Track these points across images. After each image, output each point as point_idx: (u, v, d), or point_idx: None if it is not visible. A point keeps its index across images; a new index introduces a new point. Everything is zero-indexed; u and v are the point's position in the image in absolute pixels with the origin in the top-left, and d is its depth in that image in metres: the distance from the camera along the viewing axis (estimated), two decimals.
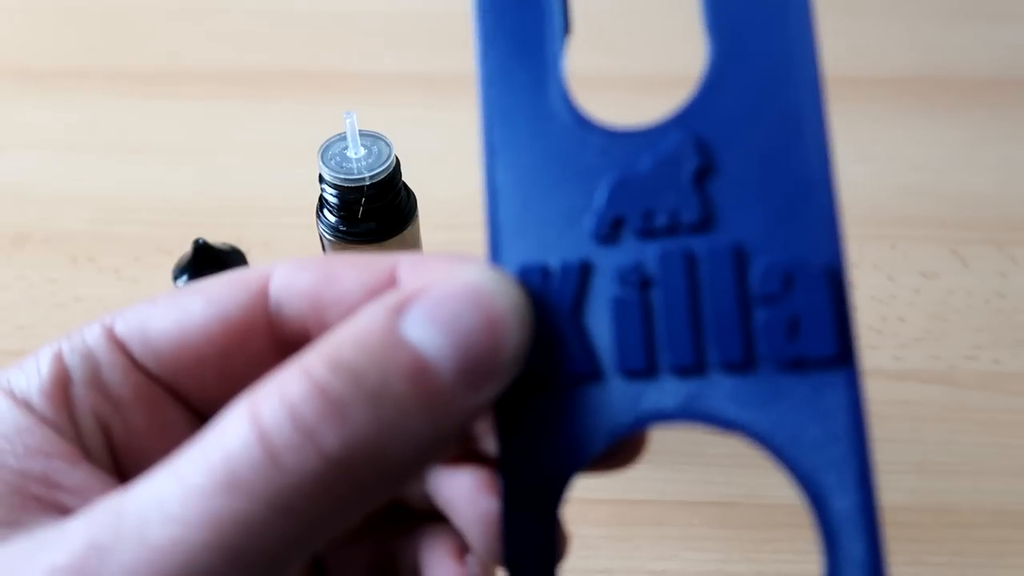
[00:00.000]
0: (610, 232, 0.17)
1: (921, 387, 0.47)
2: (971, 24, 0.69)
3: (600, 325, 0.17)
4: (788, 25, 0.16)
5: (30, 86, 0.66)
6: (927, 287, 0.51)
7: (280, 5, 0.72)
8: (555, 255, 0.18)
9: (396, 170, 0.40)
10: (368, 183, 0.39)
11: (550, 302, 0.18)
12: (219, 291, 0.19)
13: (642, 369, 0.17)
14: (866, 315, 0.50)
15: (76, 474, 0.18)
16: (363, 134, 0.40)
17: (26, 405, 0.18)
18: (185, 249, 0.42)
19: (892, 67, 0.65)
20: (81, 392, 0.19)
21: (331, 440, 0.15)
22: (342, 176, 0.39)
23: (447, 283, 0.17)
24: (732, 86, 0.17)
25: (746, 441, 0.16)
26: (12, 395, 0.18)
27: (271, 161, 0.59)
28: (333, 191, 0.40)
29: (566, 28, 0.18)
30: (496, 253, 0.18)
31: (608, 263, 0.17)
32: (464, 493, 0.20)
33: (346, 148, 0.40)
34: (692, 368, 0.17)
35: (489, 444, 0.20)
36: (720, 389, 0.17)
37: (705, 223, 0.17)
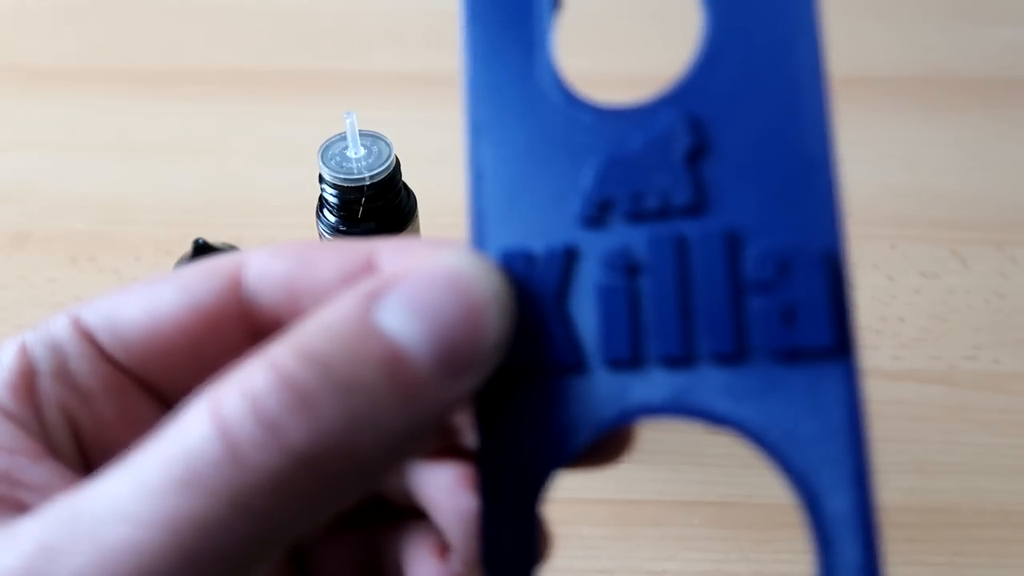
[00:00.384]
0: (597, 215, 0.17)
1: (921, 387, 0.47)
2: (969, 24, 0.69)
3: (585, 313, 0.16)
4: None
5: (30, 86, 0.66)
6: (927, 287, 0.51)
7: (280, 5, 0.72)
8: (540, 239, 0.17)
9: (396, 170, 0.40)
10: (368, 183, 0.39)
11: (533, 289, 0.17)
12: (191, 279, 0.19)
13: (628, 359, 0.16)
14: (866, 315, 0.50)
15: (38, 470, 0.17)
16: (363, 134, 0.40)
17: None
18: (185, 249, 0.42)
19: (891, 67, 0.65)
20: (47, 385, 0.18)
21: (297, 434, 0.14)
22: (342, 176, 0.39)
23: (425, 269, 0.16)
24: (729, 62, 0.16)
25: (737, 437, 0.16)
26: None
27: (271, 161, 0.59)
28: (333, 191, 0.40)
29: (556, 2, 0.17)
30: (479, 237, 0.17)
31: (595, 248, 0.17)
32: (444, 489, 0.20)
33: (346, 148, 0.40)
34: (681, 359, 0.16)
35: (471, 438, 0.19)
36: (710, 382, 0.16)
37: (697, 206, 0.16)
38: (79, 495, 0.15)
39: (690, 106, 0.16)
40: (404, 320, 0.15)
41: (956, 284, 0.51)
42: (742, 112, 0.16)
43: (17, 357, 0.18)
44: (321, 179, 0.40)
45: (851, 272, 0.15)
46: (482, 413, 0.17)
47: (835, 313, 0.15)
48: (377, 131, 0.41)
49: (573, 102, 0.17)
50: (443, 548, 0.20)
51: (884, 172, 0.58)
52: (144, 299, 0.19)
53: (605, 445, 0.18)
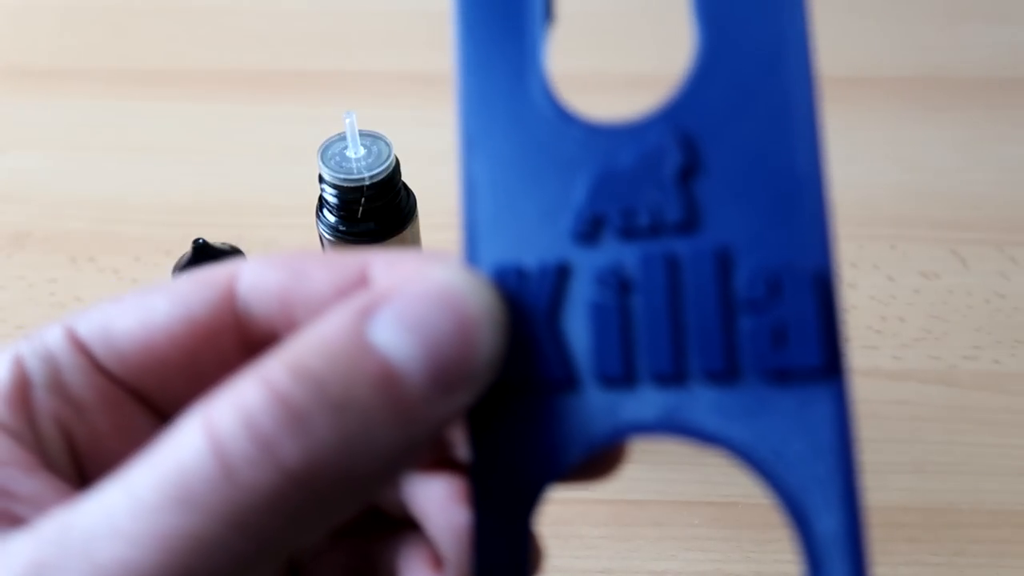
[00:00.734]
0: (589, 231, 0.17)
1: (921, 387, 0.47)
2: (970, 24, 0.69)
3: (577, 330, 0.16)
4: (781, 17, 0.16)
5: (30, 86, 0.66)
6: (927, 287, 0.51)
7: (280, 5, 0.72)
8: (532, 255, 0.17)
9: (396, 170, 0.40)
10: (368, 183, 0.39)
11: (526, 305, 0.17)
12: (185, 290, 0.19)
13: (620, 376, 0.16)
14: (866, 315, 0.50)
15: (32, 483, 0.17)
16: (363, 134, 0.40)
17: None
18: (185, 249, 0.42)
19: (890, 67, 0.65)
20: (41, 396, 0.18)
21: (291, 453, 0.14)
22: (342, 176, 0.39)
23: (418, 284, 0.16)
24: (720, 80, 0.16)
25: (728, 456, 0.16)
26: None
27: (271, 161, 0.59)
28: (333, 191, 0.40)
29: (548, 16, 0.17)
30: (472, 251, 0.17)
31: (587, 264, 0.17)
32: (437, 502, 0.20)
33: (346, 148, 0.40)
34: (672, 377, 0.16)
35: (463, 451, 0.20)
36: (701, 400, 0.16)
37: (689, 223, 0.16)
38: (73, 510, 0.15)
39: (681, 123, 0.16)
40: (397, 337, 0.15)
41: (956, 284, 0.51)
42: (733, 130, 0.16)
43: (11, 369, 0.18)
44: (321, 179, 0.40)
45: (841, 292, 0.15)
46: (474, 428, 0.17)
47: (825, 334, 0.15)
48: (377, 131, 0.41)
49: (565, 117, 0.17)
50: (436, 560, 0.20)
51: (884, 172, 0.58)
52: (138, 310, 0.19)
53: (597, 461, 0.18)
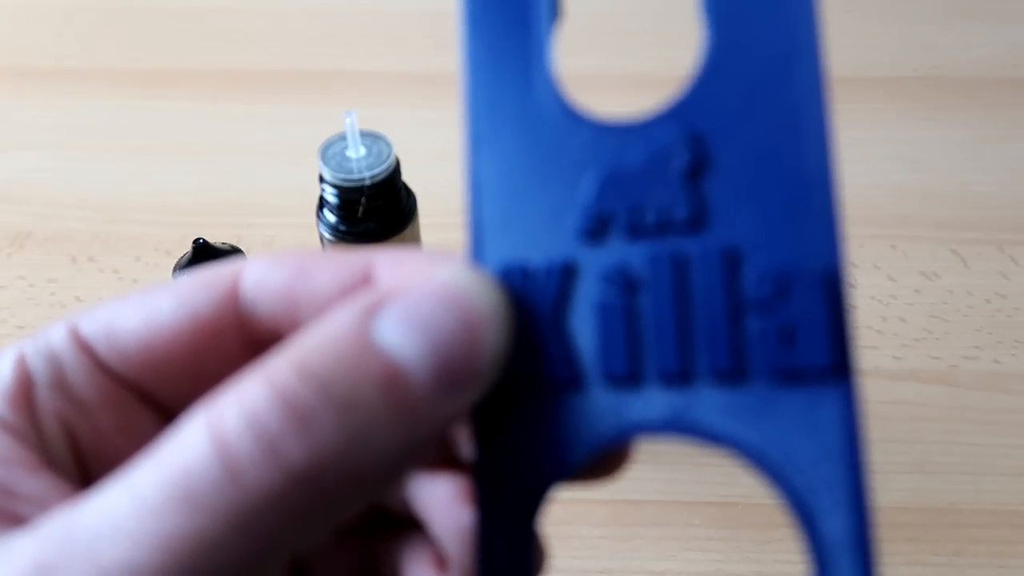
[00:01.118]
0: (596, 230, 0.17)
1: (921, 387, 0.47)
2: (971, 24, 0.69)
3: (583, 329, 0.16)
4: (791, 14, 0.15)
5: (30, 86, 0.66)
6: (927, 287, 0.51)
7: (280, 5, 0.72)
8: (539, 254, 0.17)
9: (396, 170, 0.40)
10: (368, 183, 0.39)
11: (532, 304, 0.17)
12: (189, 289, 0.19)
13: (626, 376, 0.16)
14: (866, 315, 0.50)
15: (35, 482, 0.17)
16: (363, 134, 0.40)
17: None
18: (185, 249, 0.42)
19: (891, 67, 0.65)
20: (45, 396, 0.18)
21: (296, 453, 0.14)
22: (342, 176, 0.39)
23: (423, 284, 0.16)
24: (729, 78, 0.16)
25: (734, 456, 0.15)
26: None
27: (271, 161, 0.59)
28: (333, 191, 0.40)
29: (555, 13, 0.17)
30: (478, 250, 0.17)
31: (593, 263, 0.16)
32: (441, 502, 0.19)
33: (346, 148, 0.40)
34: (679, 377, 0.16)
35: (469, 450, 0.19)
36: (708, 400, 0.16)
37: (697, 222, 0.16)
38: (76, 511, 0.15)
39: (690, 121, 0.16)
40: (403, 336, 0.15)
41: (956, 284, 0.51)
42: (742, 128, 0.16)
43: (15, 368, 0.18)
44: (321, 179, 0.40)
45: (850, 291, 0.15)
46: (479, 427, 0.17)
47: (834, 334, 0.15)
48: (377, 131, 0.41)
49: (572, 115, 0.17)
50: (440, 560, 0.20)
51: (885, 172, 0.58)
52: (141, 309, 0.19)
53: (602, 461, 0.18)
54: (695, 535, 0.42)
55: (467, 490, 0.19)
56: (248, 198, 0.57)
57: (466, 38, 0.18)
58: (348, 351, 0.15)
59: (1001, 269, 0.52)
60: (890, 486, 0.43)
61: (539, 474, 0.17)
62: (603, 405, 0.16)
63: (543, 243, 0.17)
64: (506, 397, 0.17)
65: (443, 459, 0.20)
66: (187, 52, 0.68)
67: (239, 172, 0.59)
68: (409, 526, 0.21)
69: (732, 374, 0.15)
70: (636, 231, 0.16)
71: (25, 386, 0.18)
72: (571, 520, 0.42)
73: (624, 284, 0.16)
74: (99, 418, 0.19)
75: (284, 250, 0.19)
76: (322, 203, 0.41)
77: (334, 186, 0.39)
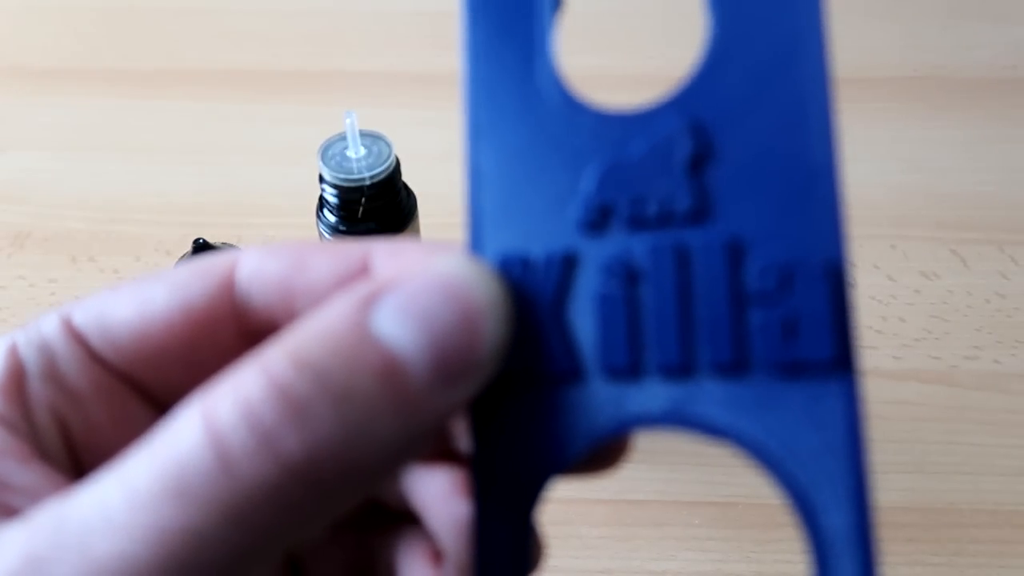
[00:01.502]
0: (597, 221, 0.16)
1: (921, 387, 0.47)
2: (971, 24, 0.69)
3: (583, 321, 0.16)
4: (797, 5, 0.15)
5: (30, 86, 0.66)
6: (927, 287, 0.51)
7: (280, 5, 0.72)
8: (539, 245, 0.17)
9: (396, 170, 0.40)
10: (368, 183, 0.39)
11: (531, 295, 0.16)
12: (183, 279, 0.18)
13: (626, 368, 0.16)
14: (866, 315, 0.50)
15: (27, 473, 0.17)
16: (363, 134, 0.40)
17: None
18: (185, 249, 0.42)
19: (891, 67, 0.65)
20: (36, 386, 0.18)
21: (291, 445, 0.14)
22: (342, 176, 0.39)
23: (421, 274, 0.15)
24: (733, 67, 0.16)
25: (735, 450, 0.15)
26: None
27: (271, 161, 0.59)
28: (333, 191, 0.40)
29: (558, 3, 0.17)
30: (477, 240, 0.17)
31: (594, 254, 0.16)
32: (437, 495, 0.19)
33: (346, 148, 0.40)
34: (680, 370, 0.16)
35: (466, 442, 0.19)
36: (709, 393, 0.15)
37: (699, 214, 0.16)
38: (68, 502, 0.15)
39: (693, 111, 0.16)
40: (400, 327, 0.15)
41: (956, 284, 0.51)
42: (746, 119, 0.16)
43: (6, 358, 0.18)
44: (321, 179, 0.40)
45: (853, 284, 0.15)
46: (477, 420, 0.17)
47: (837, 327, 0.15)
48: (377, 131, 0.41)
49: (574, 105, 0.17)
50: (436, 554, 0.20)
51: (884, 172, 0.58)
52: (135, 299, 0.18)
53: (601, 453, 0.18)
54: (695, 535, 0.42)
55: (464, 483, 0.19)
56: (248, 198, 0.57)
57: (467, 25, 0.17)
58: (345, 341, 0.15)
59: (1001, 269, 0.52)
60: (890, 486, 0.43)
61: (537, 467, 0.16)
62: (603, 398, 0.16)
63: (543, 234, 0.17)
64: (504, 389, 0.17)
65: (440, 451, 0.20)
66: (187, 52, 0.68)
67: (239, 172, 0.59)
68: (405, 519, 0.21)
69: (734, 367, 0.15)
70: (638, 222, 0.16)
71: (17, 376, 0.18)
72: (571, 520, 0.42)
73: (625, 276, 0.16)
74: (92, 409, 0.18)
75: (280, 241, 0.19)
76: (322, 203, 0.41)
77: (334, 186, 0.39)
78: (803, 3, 0.15)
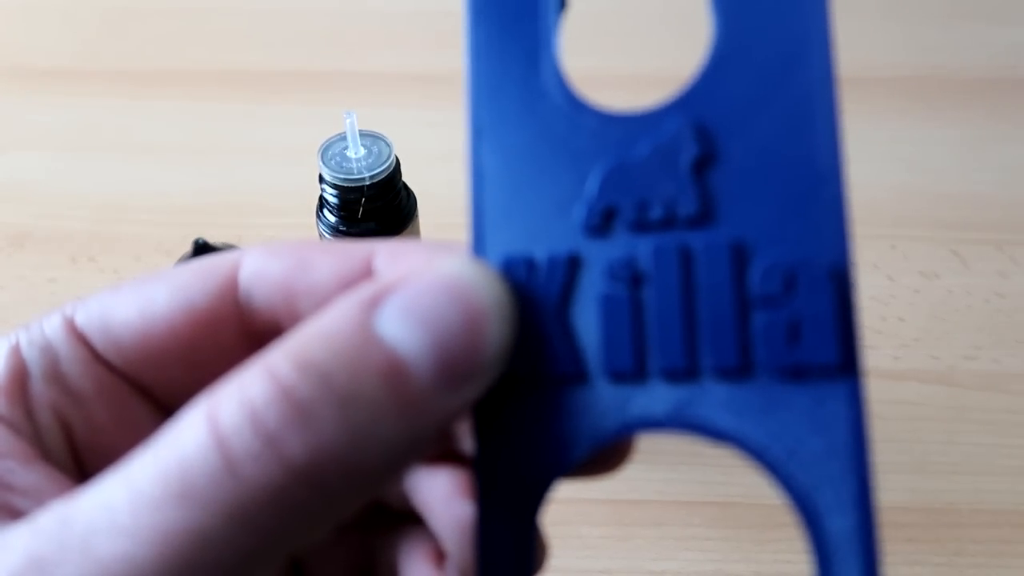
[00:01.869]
0: (601, 223, 0.16)
1: (921, 387, 0.47)
2: (970, 24, 0.69)
3: (587, 323, 0.16)
4: (803, 8, 0.15)
5: (30, 86, 0.66)
6: (927, 287, 0.51)
7: (280, 5, 0.72)
8: (542, 246, 0.17)
9: (396, 170, 0.40)
10: (368, 183, 0.39)
11: (535, 297, 0.16)
12: (185, 279, 0.18)
13: (630, 371, 0.16)
14: (866, 315, 0.50)
15: (30, 474, 0.17)
16: (363, 134, 0.40)
17: None
18: (185, 249, 0.42)
19: (891, 67, 0.65)
20: (39, 387, 0.18)
21: (295, 448, 0.14)
22: (342, 176, 0.39)
23: (425, 275, 0.15)
24: (738, 69, 0.16)
25: (738, 453, 0.15)
26: None
27: (271, 161, 0.59)
28: (333, 191, 0.40)
29: (562, 2, 0.17)
30: (480, 242, 0.17)
31: (598, 256, 0.16)
32: (440, 496, 0.19)
33: (346, 148, 0.40)
34: (684, 372, 0.16)
35: (469, 443, 0.19)
36: (713, 397, 0.15)
37: (704, 216, 0.16)
38: (72, 503, 0.15)
39: (698, 113, 0.16)
40: (404, 329, 0.15)
41: (956, 284, 0.51)
42: (751, 121, 0.15)
43: (9, 359, 0.18)
44: (321, 179, 0.40)
45: (857, 288, 0.15)
46: (480, 421, 0.17)
47: (841, 330, 0.15)
48: (377, 131, 0.41)
49: (578, 106, 0.17)
50: (439, 555, 0.20)
51: (884, 172, 0.58)
52: (137, 299, 0.18)
53: (604, 455, 0.18)
54: (694, 535, 0.42)
55: (467, 484, 0.19)
56: (248, 198, 0.57)
57: (470, 25, 0.17)
58: (349, 343, 0.15)
59: (1001, 269, 0.52)
60: (890, 486, 0.43)
61: (541, 469, 0.16)
62: (606, 400, 0.16)
63: (547, 236, 0.17)
64: (508, 391, 0.16)
65: (443, 452, 0.20)
66: (187, 52, 0.68)
67: (239, 172, 0.59)
68: (408, 520, 0.21)
69: (738, 370, 0.15)
70: (642, 224, 0.16)
71: (19, 377, 0.18)
72: (571, 520, 0.42)
73: (629, 278, 0.16)
74: (94, 410, 0.18)
75: (283, 240, 0.19)
76: (322, 203, 0.41)
77: (334, 186, 0.39)
78: (809, 5, 0.15)
